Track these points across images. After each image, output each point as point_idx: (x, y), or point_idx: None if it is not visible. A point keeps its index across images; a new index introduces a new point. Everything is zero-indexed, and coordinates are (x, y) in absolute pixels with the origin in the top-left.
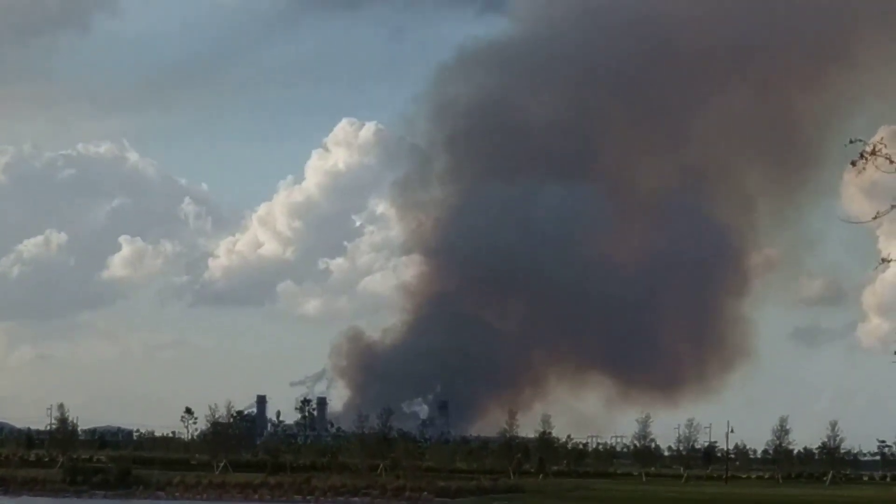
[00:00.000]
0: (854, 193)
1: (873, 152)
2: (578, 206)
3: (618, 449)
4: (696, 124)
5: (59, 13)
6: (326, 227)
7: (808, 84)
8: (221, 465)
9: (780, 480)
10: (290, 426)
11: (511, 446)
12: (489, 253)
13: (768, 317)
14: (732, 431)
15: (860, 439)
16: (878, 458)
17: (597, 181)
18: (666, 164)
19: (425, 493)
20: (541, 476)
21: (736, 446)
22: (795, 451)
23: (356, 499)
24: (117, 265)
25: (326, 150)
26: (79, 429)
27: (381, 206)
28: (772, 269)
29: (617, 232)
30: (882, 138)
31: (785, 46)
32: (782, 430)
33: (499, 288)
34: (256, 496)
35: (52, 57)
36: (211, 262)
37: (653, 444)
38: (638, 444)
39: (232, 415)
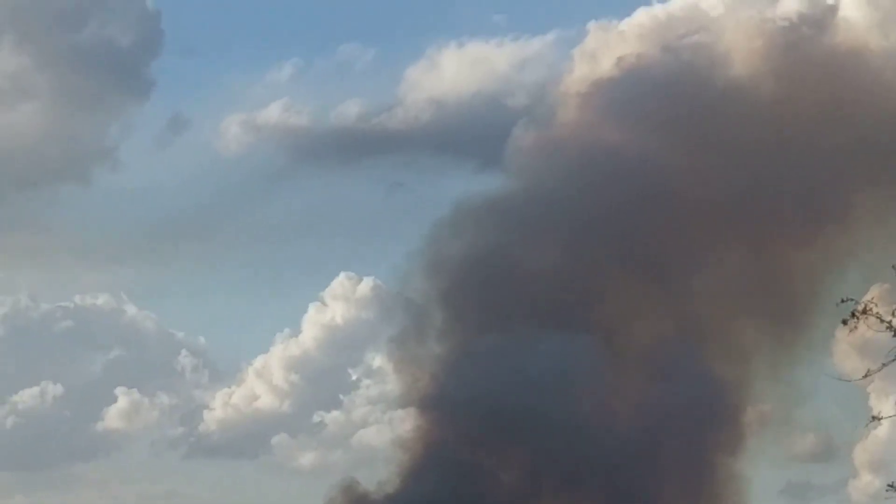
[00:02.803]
0: (846, 351)
1: (865, 311)
2: (574, 357)
3: None
4: (693, 278)
5: (61, 166)
6: (322, 381)
7: (802, 240)
8: None
9: None
10: None
11: None
12: (485, 404)
13: (761, 472)
14: None
15: None
16: None
17: (593, 332)
18: (662, 316)
19: None
20: None
21: None
22: None
23: None
24: (113, 417)
25: (324, 303)
26: None
27: (378, 360)
28: (765, 424)
29: (613, 384)
30: (873, 297)
31: (780, 203)
32: None
33: (494, 439)
34: None
35: (52, 209)
36: (206, 415)
37: None
38: None
39: None
